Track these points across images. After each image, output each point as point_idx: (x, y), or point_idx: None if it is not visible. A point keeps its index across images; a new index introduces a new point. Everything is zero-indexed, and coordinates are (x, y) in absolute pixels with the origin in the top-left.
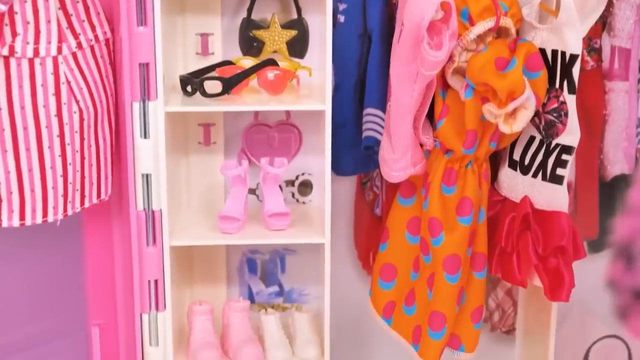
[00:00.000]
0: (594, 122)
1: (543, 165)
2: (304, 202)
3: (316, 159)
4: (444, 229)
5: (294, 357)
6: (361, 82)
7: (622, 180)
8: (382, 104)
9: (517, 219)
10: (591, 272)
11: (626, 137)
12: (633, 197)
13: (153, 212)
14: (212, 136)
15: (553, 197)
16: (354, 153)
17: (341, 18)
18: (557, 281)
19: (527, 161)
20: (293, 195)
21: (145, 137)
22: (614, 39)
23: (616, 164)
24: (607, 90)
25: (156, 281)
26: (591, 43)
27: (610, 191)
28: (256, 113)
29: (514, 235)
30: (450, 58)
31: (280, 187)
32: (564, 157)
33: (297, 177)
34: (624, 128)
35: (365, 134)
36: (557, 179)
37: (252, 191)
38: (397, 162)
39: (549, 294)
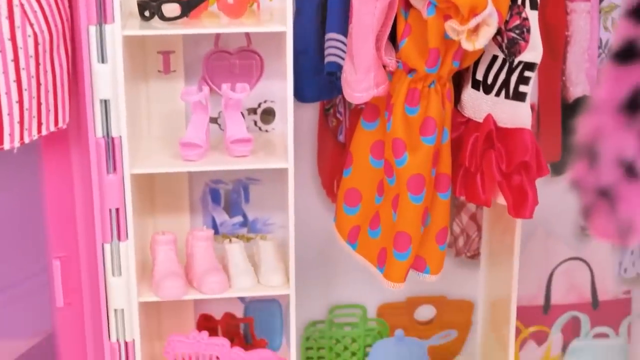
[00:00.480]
0: (556, 44)
1: (506, 83)
2: (266, 131)
3: (278, 85)
4: (407, 149)
5: (259, 285)
6: (322, 6)
7: (585, 102)
8: (344, 29)
9: (481, 137)
10: (554, 194)
11: (588, 58)
12: (595, 96)
13: (113, 138)
14: (172, 64)
15: (516, 114)
16: (317, 79)
17: None
18: (521, 198)
19: (490, 80)
20: (255, 123)
21: (102, 61)
22: None
23: (578, 85)
24: (569, 11)
25: (117, 210)
26: None
27: (573, 113)
28: (216, 40)
29: (477, 155)
30: None
31: (243, 114)
32: (527, 73)
33: (259, 105)
34: (585, 49)
35: (327, 59)
36: (520, 96)
37: (213, 120)
38: (359, 82)
39: (513, 211)
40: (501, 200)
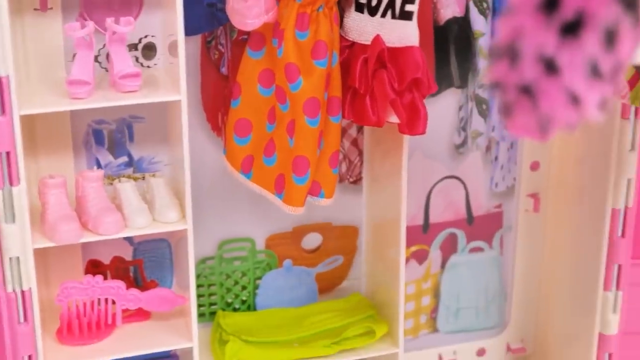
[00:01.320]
0: None
1: (391, 4)
2: (148, 67)
3: (158, 19)
4: (301, 74)
5: (155, 222)
6: None
7: (455, 23)
8: None
9: (371, 59)
10: (430, 115)
11: None
12: None
13: (0, 78)
14: (49, 1)
15: (404, 33)
16: (197, 11)
17: None
18: (414, 115)
19: (374, 2)
20: (137, 59)
21: None
22: None
23: (448, 7)
24: None
25: (8, 153)
26: None
27: (444, 34)
28: None
29: (367, 76)
30: None
31: None
32: None
33: (139, 41)
34: None
35: None
36: (406, 15)
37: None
38: (251, 9)
39: (407, 129)
40: (393, 118)
